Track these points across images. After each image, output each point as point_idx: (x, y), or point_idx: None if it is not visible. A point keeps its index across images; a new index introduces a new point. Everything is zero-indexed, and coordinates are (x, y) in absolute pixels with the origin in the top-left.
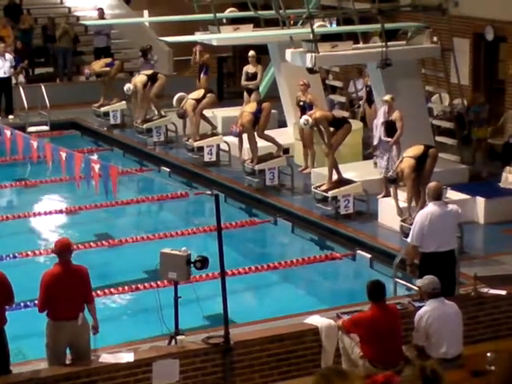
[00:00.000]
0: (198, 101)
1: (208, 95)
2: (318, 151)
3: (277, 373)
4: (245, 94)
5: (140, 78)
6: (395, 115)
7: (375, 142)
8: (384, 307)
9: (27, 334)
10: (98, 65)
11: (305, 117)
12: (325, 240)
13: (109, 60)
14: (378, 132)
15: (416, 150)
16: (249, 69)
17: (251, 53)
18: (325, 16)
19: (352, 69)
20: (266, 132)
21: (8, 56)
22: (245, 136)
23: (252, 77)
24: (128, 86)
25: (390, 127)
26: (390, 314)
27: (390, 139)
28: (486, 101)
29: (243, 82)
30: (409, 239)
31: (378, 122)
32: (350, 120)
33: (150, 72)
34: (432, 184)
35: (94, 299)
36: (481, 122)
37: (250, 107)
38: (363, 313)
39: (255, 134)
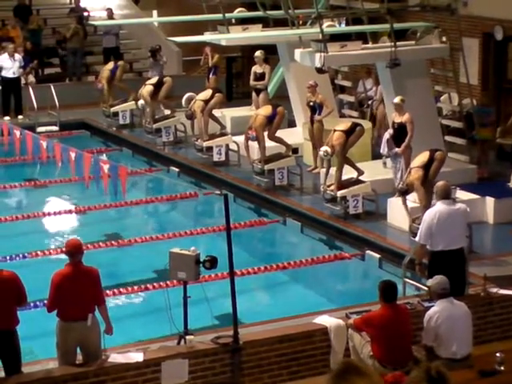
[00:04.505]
0: (207, 102)
1: (216, 95)
2: None
3: (286, 373)
4: (253, 94)
5: (146, 89)
6: (405, 118)
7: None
8: (395, 307)
9: (37, 333)
10: (105, 74)
11: (323, 148)
12: (334, 240)
13: (111, 65)
14: (384, 145)
15: (422, 157)
16: (257, 69)
17: (257, 53)
18: (334, 16)
19: (361, 69)
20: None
21: (17, 56)
22: None
23: (260, 77)
24: (141, 104)
25: (400, 130)
26: (400, 314)
27: (398, 149)
28: (491, 103)
29: (251, 82)
30: (417, 238)
31: (385, 140)
32: (359, 120)
33: (155, 80)
34: (440, 183)
35: (104, 301)
36: (485, 124)
37: (264, 111)
38: (374, 312)
39: (265, 135)
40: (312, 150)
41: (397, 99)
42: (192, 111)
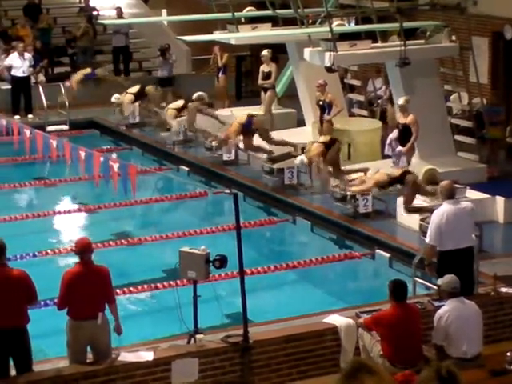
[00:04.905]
0: (179, 110)
1: (189, 105)
2: None
3: (295, 372)
4: (262, 93)
5: (128, 97)
6: (409, 119)
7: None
8: (405, 307)
9: (48, 332)
10: (76, 78)
11: (299, 157)
12: (344, 239)
13: (88, 71)
14: (389, 147)
15: (396, 172)
16: (264, 68)
17: (264, 52)
18: (343, 15)
19: (370, 68)
20: (282, 132)
21: (27, 55)
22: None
23: (267, 76)
24: (116, 96)
25: (405, 131)
26: (410, 313)
27: (402, 148)
28: (501, 102)
29: (259, 81)
30: (427, 240)
31: (388, 141)
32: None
33: (136, 89)
34: (444, 183)
35: (115, 299)
36: (495, 123)
37: (240, 119)
38: (384, 311)
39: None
40: None
41: (401, 100)
42: (163, 119)
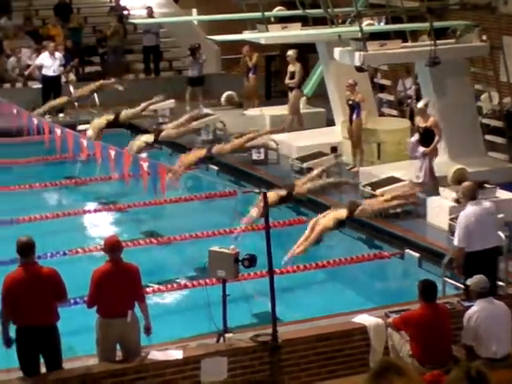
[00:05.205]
0: (150, 144)
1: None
2: (366, 150)
3: (324, 371)
4: (289, 92)
5: (99, 123)
6: (431, 122)
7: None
8: (434, 307)
9: (78, 330)
10: (62, 100)
11: (252, 211)
12: (373, 239)
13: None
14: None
15: (340, 213)
16: (291, 68)
17: (289, 52)
18: (373, 14)
19: (400, 67)
20: (311, 132)
21: (57, 55)
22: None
23: (293, 75)
24: (89, 135)
25: (426, 134)
26: (440, 313)
27: (425, 149)
28: None
29: (286, 81)
30: (455, 242)
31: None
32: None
33: (111, 117)
34: (466, 184)
35: (145, 298)
36: None
37: (199, 152)
38: (413, 311)
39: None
40: (351, 148)
41: (421, 104)
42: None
